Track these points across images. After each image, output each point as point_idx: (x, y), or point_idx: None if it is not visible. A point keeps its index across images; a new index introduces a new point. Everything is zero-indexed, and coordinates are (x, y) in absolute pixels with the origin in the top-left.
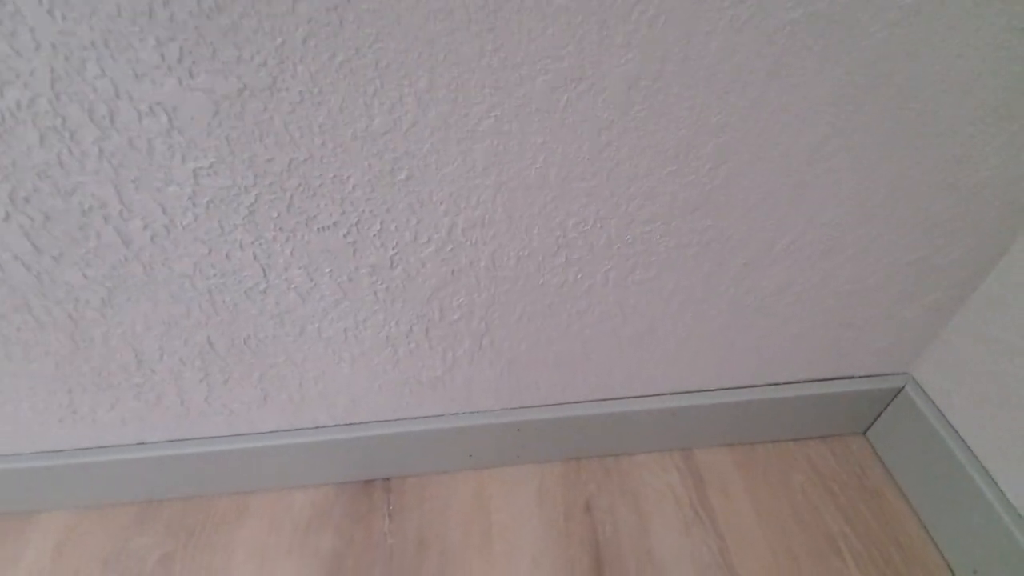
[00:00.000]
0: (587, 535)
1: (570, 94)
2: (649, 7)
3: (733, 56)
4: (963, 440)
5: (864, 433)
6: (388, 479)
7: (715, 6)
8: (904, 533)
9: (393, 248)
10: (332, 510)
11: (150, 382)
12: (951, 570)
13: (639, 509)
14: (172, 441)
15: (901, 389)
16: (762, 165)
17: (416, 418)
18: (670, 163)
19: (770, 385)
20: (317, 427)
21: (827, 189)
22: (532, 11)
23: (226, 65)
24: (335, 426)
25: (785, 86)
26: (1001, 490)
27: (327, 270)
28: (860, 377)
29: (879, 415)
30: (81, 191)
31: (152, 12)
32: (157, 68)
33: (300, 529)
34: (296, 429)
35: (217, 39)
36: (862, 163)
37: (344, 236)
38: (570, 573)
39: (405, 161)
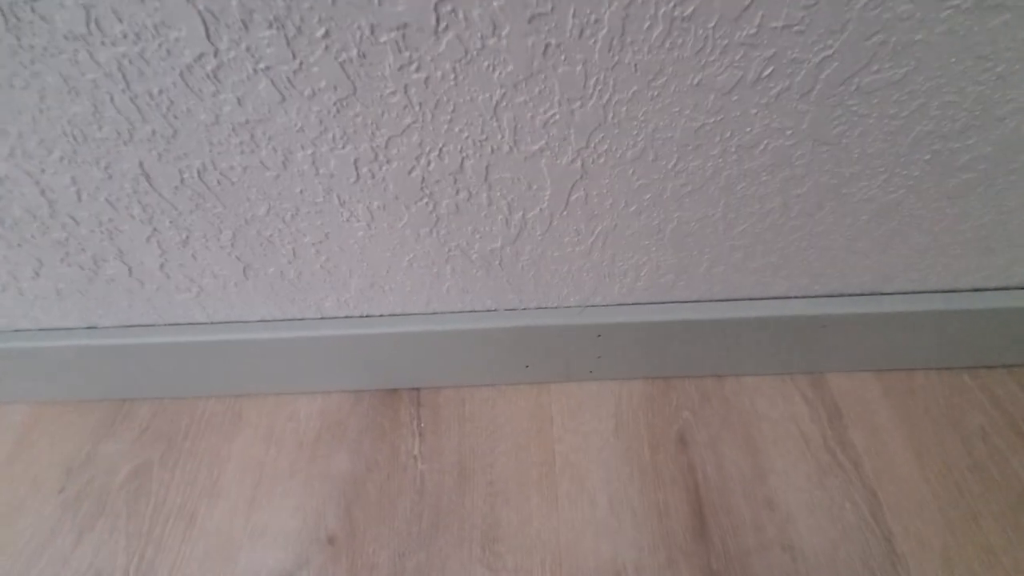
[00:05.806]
0: (682, 475)
1: None
2: None
3: None
4: None
5: None
6: (417, 389)
7: None
8: None
9: None
10: (346, 424)
11: (75, 237)
12: None
13: (752, 446)
14: (130, 327)
15: None
16: None
17: (458, 312)
18: None
19: (950, 292)
20: (322, 317)
21: None
22: None
23: None
24: (347, 317)
25: None
26: None
27: (320, 32)
28: None
29: None
30: None
31: None
32: None
33: (307, 444)
34: (293, 319)
35: None
36: None
37: None
38: (660, 522)
39: None
